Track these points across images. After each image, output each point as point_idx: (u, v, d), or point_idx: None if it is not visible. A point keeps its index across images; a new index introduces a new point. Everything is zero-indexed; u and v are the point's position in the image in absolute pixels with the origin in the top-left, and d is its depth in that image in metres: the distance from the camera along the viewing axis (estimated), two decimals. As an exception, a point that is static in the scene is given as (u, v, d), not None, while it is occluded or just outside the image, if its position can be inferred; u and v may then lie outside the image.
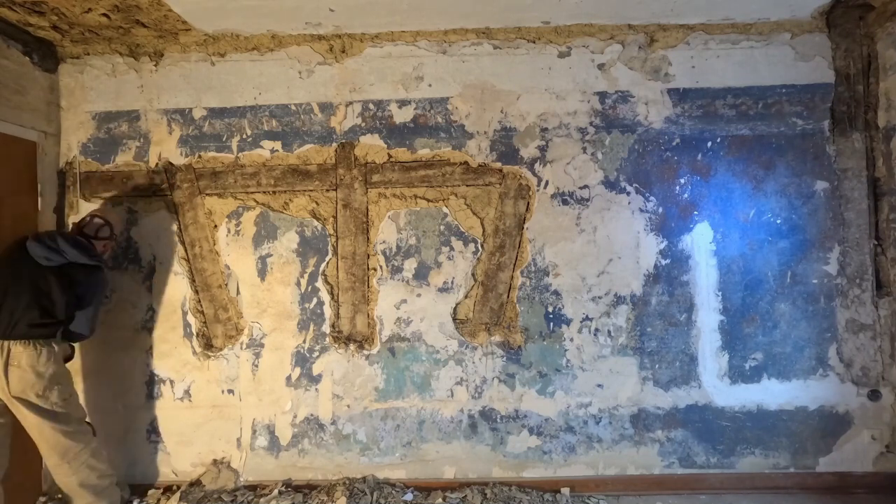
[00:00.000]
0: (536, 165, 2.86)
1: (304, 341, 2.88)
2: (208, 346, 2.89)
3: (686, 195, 2.83)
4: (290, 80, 2.91)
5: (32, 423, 2.28)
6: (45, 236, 2.42)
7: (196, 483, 2.82)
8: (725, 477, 2.76)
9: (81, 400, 2.79)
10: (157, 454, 2.87)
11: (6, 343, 2.24)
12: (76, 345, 2.62)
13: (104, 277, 2.57)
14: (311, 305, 2.89)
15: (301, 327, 2.88)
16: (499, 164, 2.86)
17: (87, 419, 2.55)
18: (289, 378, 2.87)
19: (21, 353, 2.25)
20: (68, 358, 2.54)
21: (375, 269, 2.88)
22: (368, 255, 2.87)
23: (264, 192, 2.89)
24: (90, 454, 2.39)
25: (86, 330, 2.46)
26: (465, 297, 2.86)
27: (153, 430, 2.87)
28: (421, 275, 2.87)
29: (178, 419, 2.87)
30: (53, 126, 2.92)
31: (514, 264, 2.84)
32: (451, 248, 2.87)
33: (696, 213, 2.82)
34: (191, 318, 2.90)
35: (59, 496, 2.62)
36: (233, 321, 2.90)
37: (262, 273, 2.90)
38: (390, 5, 2.59)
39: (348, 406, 2.86)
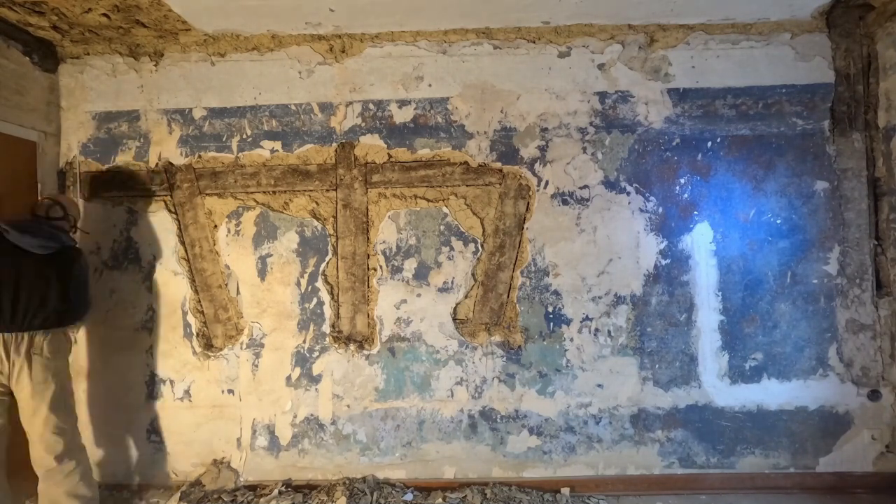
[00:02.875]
0: (536, 165, 2.86)
1: (304, 341, 2.88)
2: (208, 346, 2.90)
3: (686, 195, 2.83)
4: (290, 80, 2.91)
5: (42, 416, 2.26)
6: (20, 225, 2.32)
7: (196, 483, 2.82)
8: (725, 477, 2.76)
9: (83, 399, 2.81)
10: (157, 454, 2.87)
11: (25, 334, 2.26)
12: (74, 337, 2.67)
13: (85, 256, 2.61)
14: (311, 305, 2.89)
15: (301, 327, 2.88)
16: (499, 164, 2.86)
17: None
18: (289, 378, 2.87)
19: (42, 341, 2.28)
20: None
21: (375, 269, 2.88)
22: (368, 255, 2.87)
23: (264, 192, 2.89)
24: (82, 464, 2.36)
25: (87, 307, 2.58)
26: (465, 297, 2.86)
27: (153, 430, 2.87)
28: (421, 275, 2.87)
29: (178, 419, 2.87)
30: (53, 126, 2.92)
31: (514, 264, 2.84)
32: (451, 248, 2.87)
33: (696, 213, 2.82)
34: (191, 318, 2.90)
35: None
36: (233, 321, 2.90)
37: (262, 273, 2.90)
38: (390, 5, 2.59)
39: (348, 406, 2.86)
